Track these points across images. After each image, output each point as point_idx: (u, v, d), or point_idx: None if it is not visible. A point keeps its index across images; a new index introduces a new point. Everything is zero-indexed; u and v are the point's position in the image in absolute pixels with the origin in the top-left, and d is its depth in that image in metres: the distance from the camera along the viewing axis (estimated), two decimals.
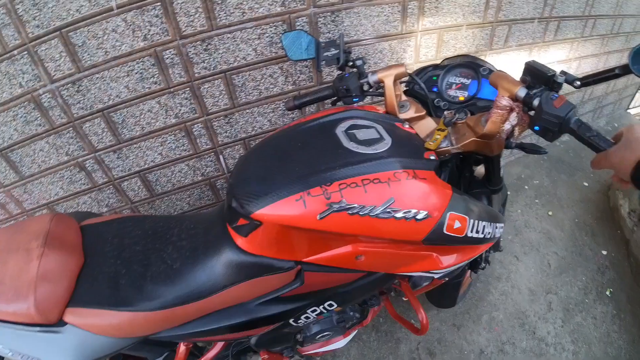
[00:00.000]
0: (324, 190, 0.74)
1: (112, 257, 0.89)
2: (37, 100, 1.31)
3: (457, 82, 1.05)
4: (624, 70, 0.70)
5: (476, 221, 0.89)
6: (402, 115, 0.99)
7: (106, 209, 1.66)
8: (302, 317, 0.98)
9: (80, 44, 1.23)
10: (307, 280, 0.86)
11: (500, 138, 0.86)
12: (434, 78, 1.07)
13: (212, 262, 0.83)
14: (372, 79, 1.01)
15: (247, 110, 1.56)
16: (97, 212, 1.59)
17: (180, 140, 1.55)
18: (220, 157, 1.67)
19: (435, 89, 1.06)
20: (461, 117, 0.94)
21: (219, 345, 1.07)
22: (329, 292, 0.94)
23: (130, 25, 1.23)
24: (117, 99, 1.36)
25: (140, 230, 0.96)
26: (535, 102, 0.75)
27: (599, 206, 2.43)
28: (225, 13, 1.30)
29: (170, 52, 1.31)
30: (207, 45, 1.34)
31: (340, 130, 0.87)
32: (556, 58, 2.33)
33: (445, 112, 0.96)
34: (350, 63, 1.06)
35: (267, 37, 1.39)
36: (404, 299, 1.65)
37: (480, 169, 1.18)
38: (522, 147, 0.89)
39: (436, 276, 1.01)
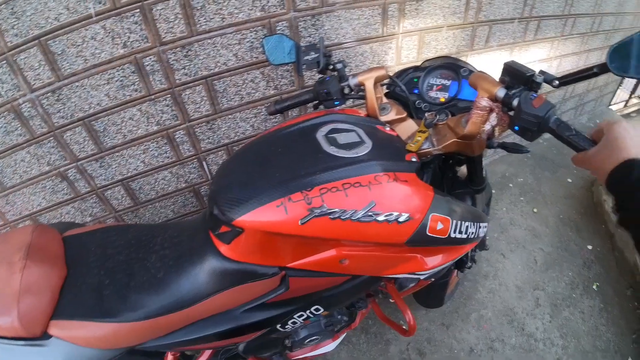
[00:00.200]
0: (304, 195, 0.73)
1: (96, 268, 0.88)
2: (17, 110, 1.28)
3: (438, 83, 1.06)
4: (602, 69, 0.70)
5: (459, 222, 0.89)
6: (383, 118, 0.99)
7: (90, 218, 1.63)
8: (289, 322, 0.98)
9: (59, 52, 1.22)
10: (292, 285, 0.86)
11: (481, 138, 0.86)
12: (415, 80, 1.07)
13: (195, 270, 0.82)
14: (352, 82, 1.01)
15: (229, 116, 1.55)
16: (81, 222, 1.57)
17: (163, 148, 1.53)
18: (204, 163, 1.65)
19: (416, 91, 1.07)
20: (442, 118, 0.94)
21: (206, 354, 1.06)
22: (314, 296, 0.94)
23: (109, 32, 1.22)
24: (97, 107, 1.35)
25: (124, 239, 0.95)
26: (515, 102, 0.75)
27: (582, 202, 2.48)
28: (205, 19, 1.29)
29: (150, 59, 1.30)
30: (187, 52, 1.33)
31: (320, 135, 0.87)
32: (537, 57, 2.36)
33: (427, 114, 0.97)
34: (331, 66, 1.05)
35: (247, 42, 1.39)
36: (391, 301, 1.66)
37: (463, 170, 1.19)
38: (504, 146, 0.89)
39: (422, 277, 1.01)
